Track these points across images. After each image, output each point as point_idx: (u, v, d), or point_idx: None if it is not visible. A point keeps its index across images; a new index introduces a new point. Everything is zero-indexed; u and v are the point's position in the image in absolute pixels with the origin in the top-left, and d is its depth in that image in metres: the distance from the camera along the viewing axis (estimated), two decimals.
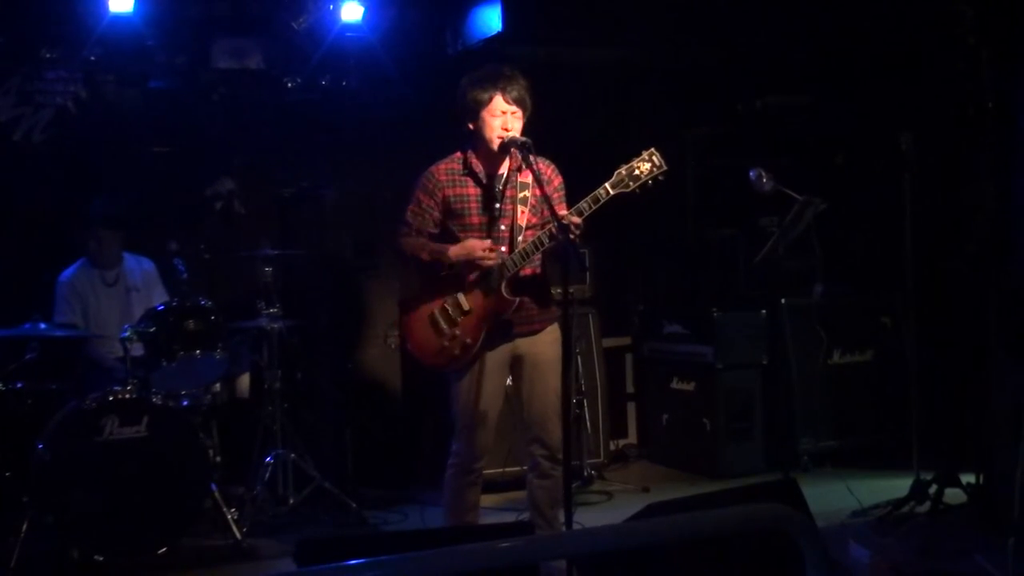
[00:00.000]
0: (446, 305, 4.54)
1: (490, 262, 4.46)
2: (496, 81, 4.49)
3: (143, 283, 6.01)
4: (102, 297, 5.88)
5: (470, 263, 4.51)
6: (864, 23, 6.64)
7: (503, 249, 4.54)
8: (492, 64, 4.62)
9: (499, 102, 4.48)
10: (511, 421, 5.03)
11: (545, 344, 4.64)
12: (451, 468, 4.69)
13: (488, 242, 4.49)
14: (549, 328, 4.67)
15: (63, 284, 5.83)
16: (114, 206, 5.90)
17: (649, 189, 4.39)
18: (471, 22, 6.57)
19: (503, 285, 4.49)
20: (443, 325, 4.53)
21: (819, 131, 7.26)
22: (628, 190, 4.37)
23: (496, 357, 4.58)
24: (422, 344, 4.63)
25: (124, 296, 5.93)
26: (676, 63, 7.34)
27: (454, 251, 4.53)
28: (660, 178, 4.39)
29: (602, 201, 4.36)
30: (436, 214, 4.60)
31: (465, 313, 4.52)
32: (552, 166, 4.68)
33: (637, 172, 4.36)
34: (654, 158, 4.39)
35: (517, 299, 4.51)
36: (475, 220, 4.58)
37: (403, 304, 4.78)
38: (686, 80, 7.51)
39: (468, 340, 4.50)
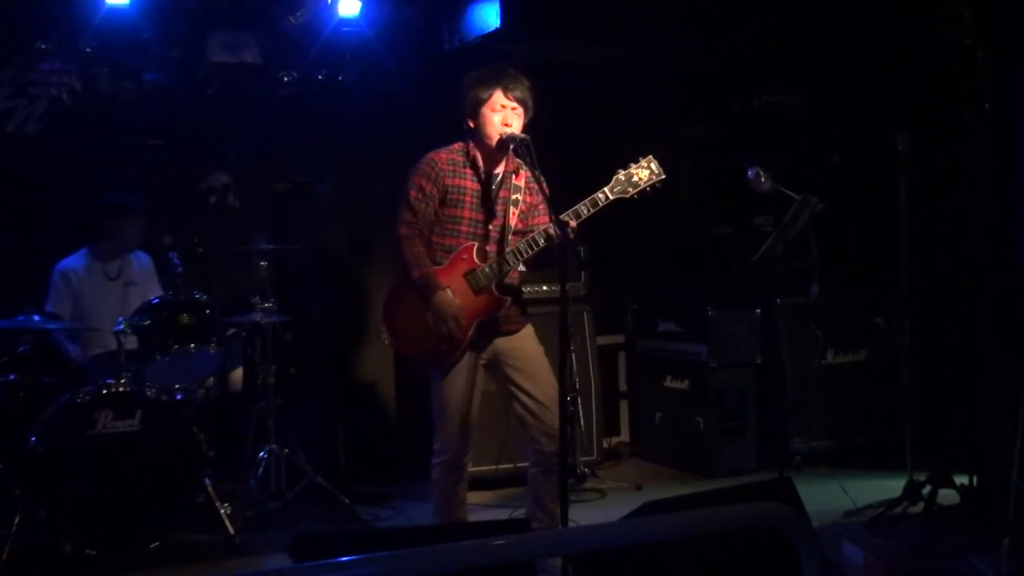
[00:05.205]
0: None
1: (443, 336, 4.43)
2: (498, 79, 4.50)
3: (140, 278, 6.00)
4: (100, 290, 5.86)
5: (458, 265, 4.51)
6: (860, 23, 6.63)
7: (491, 248, 4.56)
8: (497, 64, 4.62)
9: (499, 97, 4.48)
10: (503, 419, 5.01)
11: (525, 339, 4.66)
12: (438, 466, 4.67)
13: (454, 324, 4.43)
14: (525, 328, 4.69)
15: (57, 274, 5.81)
16: (128, 194, 5.89)
17: (647, 196, 4.44)
18: (468, 18, 6.56)
19: (494, 284, 4.50)
20: (430, 319, 4.48)
21: (814, 131, 7.25)
22: (627, 196, 4.42)
23: (477, 355, 4.58)
24: (407, 335, 4.61)
25: (122, 290, 5.91)
26: (672, 62, 7.34)
27: (438, 295, 4.42)
28: (658, 185, 4.46)
29: (601, 206, 4.40)
30: (436, 201, 4.56)
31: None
32: (541, 178, 4.66)
33: (636, 179, 4.41)
34: (652, 165, 4.45)
35: (508, 298, 4.52)
36: (467, 214, 4.56)
37: (391, 294, 4.71)
38: (682, 79, 7.50)
39: (458, 336, 4.49)
